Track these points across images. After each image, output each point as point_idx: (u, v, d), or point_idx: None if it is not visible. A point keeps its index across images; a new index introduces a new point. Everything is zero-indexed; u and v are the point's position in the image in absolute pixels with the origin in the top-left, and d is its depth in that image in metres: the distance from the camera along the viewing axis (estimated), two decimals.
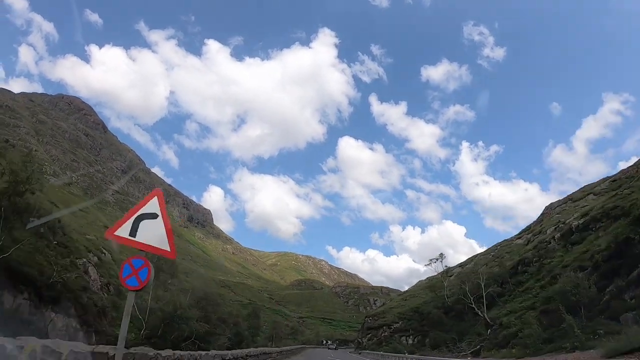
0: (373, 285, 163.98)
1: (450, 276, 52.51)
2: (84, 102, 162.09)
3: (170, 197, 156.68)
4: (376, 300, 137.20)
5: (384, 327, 54.18)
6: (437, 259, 51.17)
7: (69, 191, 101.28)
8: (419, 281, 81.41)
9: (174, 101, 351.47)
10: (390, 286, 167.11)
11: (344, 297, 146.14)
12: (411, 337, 47.04)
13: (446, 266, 52.60)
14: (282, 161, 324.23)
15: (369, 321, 63.12)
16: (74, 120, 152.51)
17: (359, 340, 64.73)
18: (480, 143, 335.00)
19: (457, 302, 40.14)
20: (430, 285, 56.12)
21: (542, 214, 60.66)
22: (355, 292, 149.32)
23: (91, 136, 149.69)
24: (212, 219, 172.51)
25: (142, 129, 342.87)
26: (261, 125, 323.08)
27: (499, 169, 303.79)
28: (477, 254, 69.85)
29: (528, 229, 58.83)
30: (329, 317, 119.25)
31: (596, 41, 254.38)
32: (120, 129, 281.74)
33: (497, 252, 58.79)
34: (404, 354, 33.37)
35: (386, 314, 59.36)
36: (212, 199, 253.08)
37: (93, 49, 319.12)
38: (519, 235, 59.76)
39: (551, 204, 60.92)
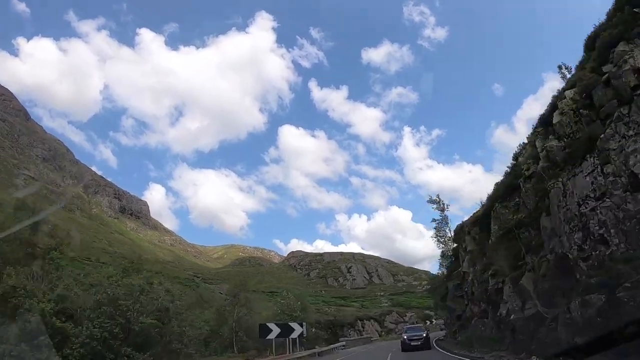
0: (342, 251, 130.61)
1: None
2: (2, 87, 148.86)
3: (100, 187, 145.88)
4: (350, 267, 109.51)
5: None
6: None
7: None
8: None
9: (108, 96, 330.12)
10: (365, 252, 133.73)
11: (303, 268, 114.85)
12: None
13: None
14: (223, 154, 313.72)
15: None
16: None
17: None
18: (423, 128, 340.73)
19: None
20: None
21: None
22: (318, 261, 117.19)
23: (9, 122, 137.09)
24: (149, 210, 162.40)
25: (75, 126, 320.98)
26: (200, 117, 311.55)
27: (442, 152, 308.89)
28: None
29: None
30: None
31: (537, 20, 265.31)
32: (54, 128, 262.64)
33: None
34: None
35: None
36: (154, 197, 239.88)
37: (21, 42, 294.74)
38: None
39: None
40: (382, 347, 36.64)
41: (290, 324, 26.25)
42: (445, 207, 37.53)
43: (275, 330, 24.46)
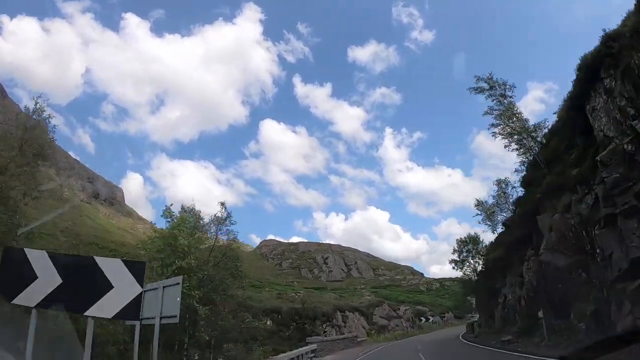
0: (319, 242, 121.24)
1: None
2: None
3: (74, 171, 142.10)
4: (327, 257, 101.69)
5: None
6: None
7: None
8: None
9: (89, 80, 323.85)
10: (343, 243, 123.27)
11: (275, 258, 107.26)
12: None
13: None
14: (203, 145, 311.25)
15: None
16: None
17: None
18: (404, 129, 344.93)
19: None
20: None
21: None
22: (292, 250, 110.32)
23: None
24: (124, 197, 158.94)
25: (54, 110, 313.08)
26: (181, 107, 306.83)
27: (422, 155, 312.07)
28: None
29: None
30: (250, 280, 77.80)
31: (523, 30, 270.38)
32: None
33: None
34: None
35: None
36: (132, 186, 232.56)
37: (4, 19, 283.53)
38: None
39: None
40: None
41: (97, 259, 4.14)
42: (509, 89, 25.43)
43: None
